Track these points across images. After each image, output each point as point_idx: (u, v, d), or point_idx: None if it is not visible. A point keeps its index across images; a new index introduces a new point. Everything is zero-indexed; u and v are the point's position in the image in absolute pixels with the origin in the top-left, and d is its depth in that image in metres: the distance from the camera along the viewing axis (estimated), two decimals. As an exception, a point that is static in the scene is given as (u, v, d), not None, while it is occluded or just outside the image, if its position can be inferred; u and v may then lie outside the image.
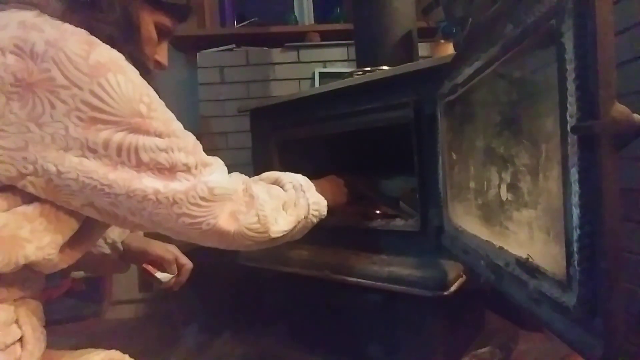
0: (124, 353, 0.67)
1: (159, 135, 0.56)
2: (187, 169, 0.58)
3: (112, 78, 0.52)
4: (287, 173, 0.81)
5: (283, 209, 0.72)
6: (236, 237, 0.64)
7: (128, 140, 0.53)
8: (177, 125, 0.59)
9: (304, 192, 0.77)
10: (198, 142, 0.62)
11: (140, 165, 0.55)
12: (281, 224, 0.70)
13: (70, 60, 0.50)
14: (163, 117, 0.57)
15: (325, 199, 0.82)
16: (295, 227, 0.73)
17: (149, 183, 0.55)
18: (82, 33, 0.53)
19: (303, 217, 0.75)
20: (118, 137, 0.53)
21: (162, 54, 0.72)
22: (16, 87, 0.50)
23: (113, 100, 0.52)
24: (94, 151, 0.52)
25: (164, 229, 0.61)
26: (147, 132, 0.55)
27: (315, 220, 0.79)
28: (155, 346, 1.46)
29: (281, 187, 0.76)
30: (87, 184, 0.53)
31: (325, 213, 0.81)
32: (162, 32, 0.70)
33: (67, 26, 0.53)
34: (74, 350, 0.66)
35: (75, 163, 0.52)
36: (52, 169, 0.52)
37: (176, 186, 0.57)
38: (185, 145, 0.59)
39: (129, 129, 0.53)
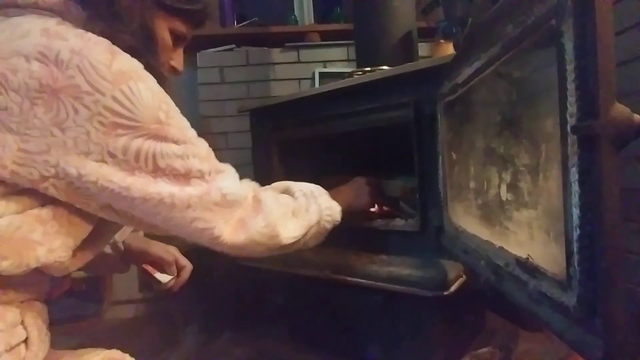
0: (124, 353, 0.67)
1: (176, 142, 0.57)
2: (201, 175, 0.60)
3: (134, 85, 0.53)
4: (297, 182, 0.81)
5: (293, 215, 0.72)
6: (247, 244, 0.65)
7: (146, 146, 0.55)
8: (192, 133, 0.61)
9: (315, 197, 0.77)
10: (211, 149, 0.63)
11: (156, 171, 0.56)
12: (291, 229, 0.70)
13: (94, 67, 0.51)
14: (180, 124, 0.59)
15: (346, 202, 0.82)
16: (307, 232, 0.73)
17: (165, 187, 0.57)
18: (104, 42, 0.54)
19: (315, 222, 0.75)
20: (137, 143, 0.54)
21: (177, 59, 0.73)
22: (41, 93, 0.51)
23: (134, 106, 0.53)
24: (113, 156, 0.54)
25: (177, 232, 0.62)
26: (164, 139, 0.56)
27: (328, 225, 0.79)
28: (155, 346, 1.46)
29: (291, 195, 0.77)
30: (106, 187, 0.54)
31: (339, 218, 0.81)
32: (178, 38, 0.70)
33: (91, 35, 0.54)
34: (74, 350, 0.67)
35: (95, 167, 0.53)
36: (73, 172, 0.53)
37: (191, 190, 0.58)
38: (199, 151, 0.60)
39: (147, 134, 0.55)
